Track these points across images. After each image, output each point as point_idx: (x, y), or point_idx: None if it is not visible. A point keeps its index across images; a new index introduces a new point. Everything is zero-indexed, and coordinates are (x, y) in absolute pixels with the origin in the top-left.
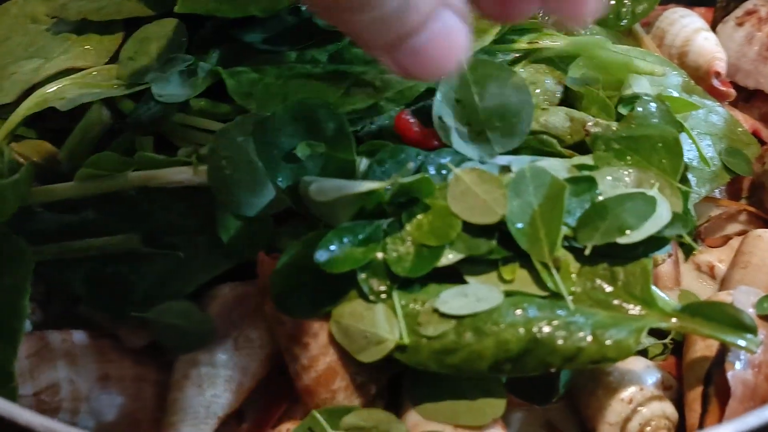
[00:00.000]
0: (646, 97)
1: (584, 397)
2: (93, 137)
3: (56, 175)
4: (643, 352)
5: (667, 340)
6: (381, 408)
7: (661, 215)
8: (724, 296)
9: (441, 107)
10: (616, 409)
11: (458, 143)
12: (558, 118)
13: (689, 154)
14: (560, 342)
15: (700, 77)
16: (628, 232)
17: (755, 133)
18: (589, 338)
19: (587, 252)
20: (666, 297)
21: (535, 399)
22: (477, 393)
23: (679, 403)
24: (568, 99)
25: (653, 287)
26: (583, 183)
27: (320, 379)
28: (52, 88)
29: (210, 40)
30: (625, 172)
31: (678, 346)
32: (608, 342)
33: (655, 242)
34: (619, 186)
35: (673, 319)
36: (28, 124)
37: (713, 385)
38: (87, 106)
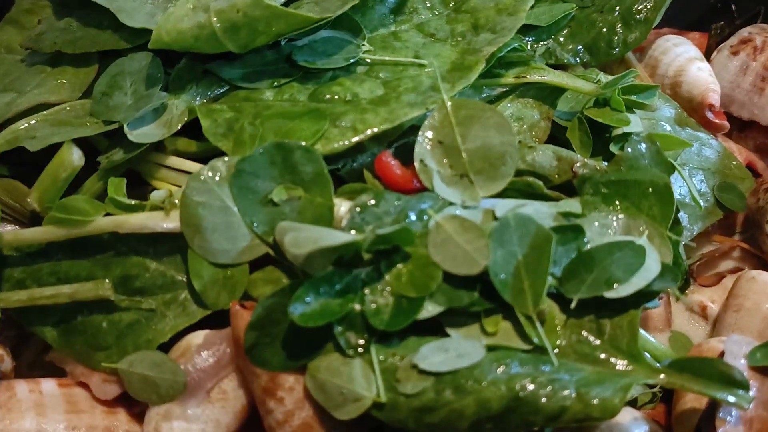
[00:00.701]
0: (635, 138)
1: None
2: (65, 178)
3: (29, 215)
4: (632, 401)
5: (656, 389)
6: None
7: (650, 267)
8: (716, 343)
9: (423, 149)
10: None
11: (440, 187)
12: (545, 158)
13: (681, 190)
14: (543, 401)
15: (694, 108)
16: (615, 285)
17: (750, 165)
18: (574, 396)
19: (573, 305)
20: (656, 342)
21: None
22: None
23: None
24: (557, 133)
25: (643, 332)
26: (570, 232)
27: None
28: (23, 125)
29: (186, 76)
30: (614, 219)
31: (668, 394)
32: (594, 401)
33: (644, 295)
34: (607, 233)
35: (661, 375)
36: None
37: None
38: (59, 145)
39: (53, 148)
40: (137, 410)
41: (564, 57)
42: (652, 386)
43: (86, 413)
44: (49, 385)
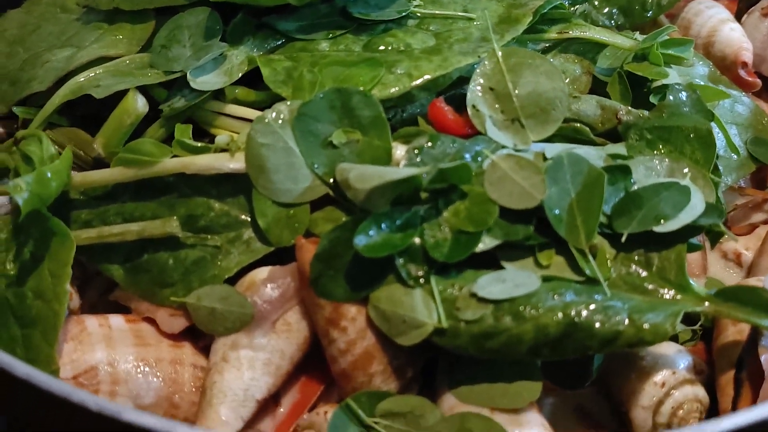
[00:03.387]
0: (677, 87)
1: (617, 382)
2: (129, 124)
3: (91, 162)
4: (674, 338)
5: (696, 327)
6: (416, 392)
7: (695, 205)
8: (755, 282)
9: (475, 95)
10: (649, 393)
11: (492, 131)
12: (590, 106)
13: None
14: (598, 326)
15: (726, 67)
16: (663, 221)
17: None
18: (627, 322)
19: (623, 239)
20: (695, 284)
21: (569, 384)
22: (513, 376)
23: (710, 388)
24: (597, 88)
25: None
26: (618, 172)
27: (357, 363)
28: (86, 75)
29: (243, 30)
30: (658, 162)
31: (707, 333)
32: (645, 326)
33: (690, 230)
34: (652, 175)
35: (707, 303)
36: (60, 112)
37: (746, 369)
38: (121, 95)
39: (111, 105)
40: (202, 344)
41: (599, 19)
42: (692, 323)
43: (153, 346)
44: (117, 320)
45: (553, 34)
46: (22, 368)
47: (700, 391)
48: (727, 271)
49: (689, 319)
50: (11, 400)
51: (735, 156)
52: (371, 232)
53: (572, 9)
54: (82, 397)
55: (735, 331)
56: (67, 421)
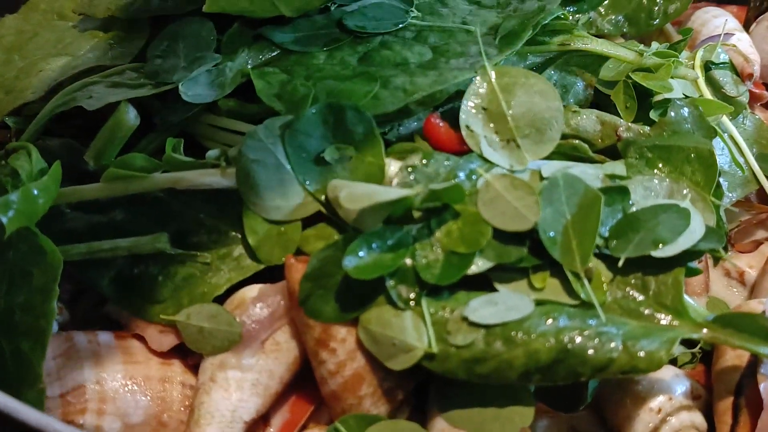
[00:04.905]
0: (678, 102)
1: (612, 406)
2: (120, 137)
3: (83, 174)
4: (673, 361)
5: (696, 349)
6: (407, 414)
7: (695, 229)
8: (755, 305)
9: (468, 116)
10: (644, 419)
11: (487, 151)
12: (589, 122)
13: (721, 159)
14: (591, 352)
15: None
16: (661, 245)
17: None
18: (620, 349)
19: (620, 264)
20: (695, 304)
21: (563, 407)
22: (505, 401)
23: (708, 413)
24: (599, 100)
25: (684, 296)
26: (616, 193)
27: (347, 385)
28: (79, 86)
29: (238, 41)
30: (657, 182)
31: (707, 355)
32: (640, 353)
33: (688, 255)
34: (651, 196)
35: (704, 330)
36: (55, 120)
37: (744, 396)
38: (115, 105)
39: (106, 113)
40: (191, 362)
41: (604, 27)
42: (692, 347)
43: (142, 364)
44: (105, 336)
45: (554, 46)
46: None
47: (697, 418)
48: (730, 289)
49: (689, 341)
50: None
51: (740, 172)
52: (361, 253)
53: (576, 17)
54: (57, 428)
55: (734, 355)
56: None
